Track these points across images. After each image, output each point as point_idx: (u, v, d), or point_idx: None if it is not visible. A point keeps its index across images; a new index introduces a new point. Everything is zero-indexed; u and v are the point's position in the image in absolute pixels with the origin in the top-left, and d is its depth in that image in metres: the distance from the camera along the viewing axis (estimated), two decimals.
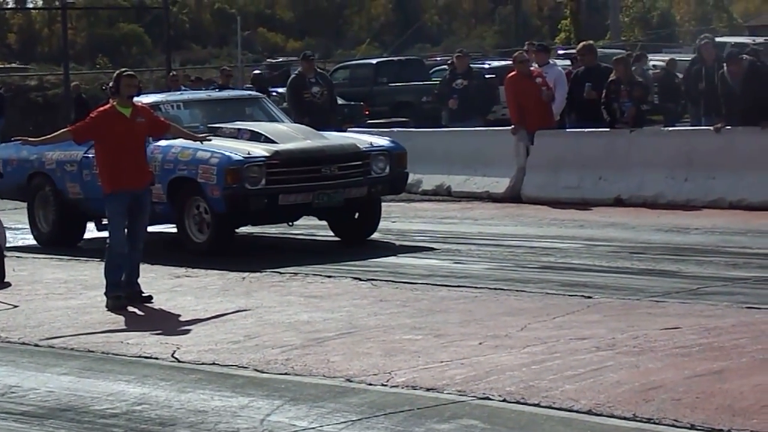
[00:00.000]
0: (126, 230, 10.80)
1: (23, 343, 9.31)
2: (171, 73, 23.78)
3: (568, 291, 10.14)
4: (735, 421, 6.31)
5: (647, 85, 18.03)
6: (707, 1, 60.73)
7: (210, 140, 12.04)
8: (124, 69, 11.22)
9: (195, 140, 11.92)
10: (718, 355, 7.65)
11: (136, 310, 10.51)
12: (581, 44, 18.30)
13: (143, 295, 10.75)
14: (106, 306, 10.54)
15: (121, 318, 10.20)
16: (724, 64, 16.09)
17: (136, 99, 11.15)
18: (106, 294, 10.65)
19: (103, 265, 10.88)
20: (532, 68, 17.36)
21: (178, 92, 17.59)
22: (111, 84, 11.06)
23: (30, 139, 11.98)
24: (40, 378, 8.11)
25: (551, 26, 62.15)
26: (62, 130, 11.30)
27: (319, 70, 19.70)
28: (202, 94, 16.24)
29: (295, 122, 15.66)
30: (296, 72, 19.30)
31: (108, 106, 10.85)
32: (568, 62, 19.45)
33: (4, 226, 12.73)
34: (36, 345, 9.22)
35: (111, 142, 10.71)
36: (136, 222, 10.81)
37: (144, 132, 10.92)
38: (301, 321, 9.46)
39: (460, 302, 9.92)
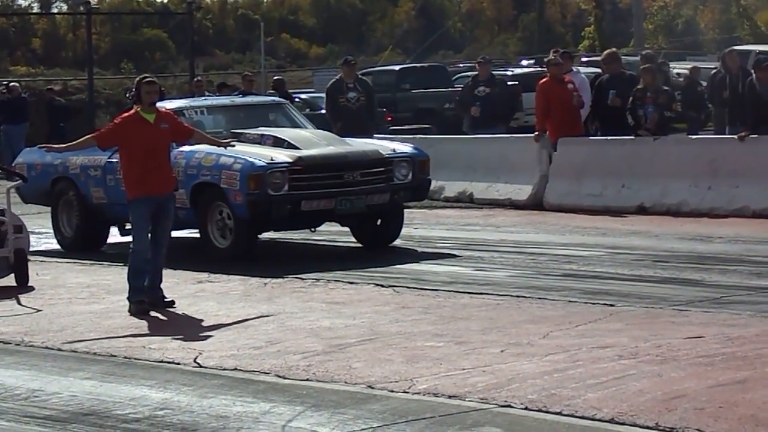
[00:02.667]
0: (150, 235, 10.83)
1: (46, 347, 9.34)
2: (195, 79, 23.86)
3: (591, 299, 10.11)
4: (758, 431, 6.28)
5: (672, 93, 17.99)
6: (731, 9, 60.53)
7: (234, 146, 12.06)
8: (144, 75, 11.24)
9: (219, 146, 11.94)
10: (741, 364, 7.62)
11: (158, 315, 10.53)
12: (606, 52, 18.28)
13: (166, 300, 10.77)
14: (129, 311, 10.57)
15: (144, 323, 10.23)
16: (752, 71, 16.05)
17: (159, 104, 11.18)
18: (128, 299, 10.68)
19: (126, 269, 10.92)
20: (564, 75, 17.31)
21: (202, 98, 17.66)
22: (133, 91, 11.10)
23: (54, 146, 12.04)
24: (62, 382, 8.14)
25: (575, 33, 62.08)
26: (86, 137, 11.33)
27: (361, 77, 19.63)
28: (225, 100, 16.28)
29: (331, 127, 15.66)
30: (337, 77, 19.31)
31: (132, 111, 10.89)
32: (593, 69, 19.37)
33: (28, 230, 12.78)
34: (59, 349, 9.25)
35: (135, 148, 10.74)
36: (160, 227, 10.84)
37: (168, 138, 10.95)
38: (323, 327, 9.47)
39: (482, 309, 9.90)
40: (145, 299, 10.64)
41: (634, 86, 16.62)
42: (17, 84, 28.97)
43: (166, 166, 10.94)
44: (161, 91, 11.15)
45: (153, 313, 10.55)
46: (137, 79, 11.16)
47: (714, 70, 22.22)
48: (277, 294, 11.15)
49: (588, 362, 7.82)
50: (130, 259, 10.82)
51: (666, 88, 17.27)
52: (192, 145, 12.87)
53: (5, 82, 28.89)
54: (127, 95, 11.68)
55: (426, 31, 64.94)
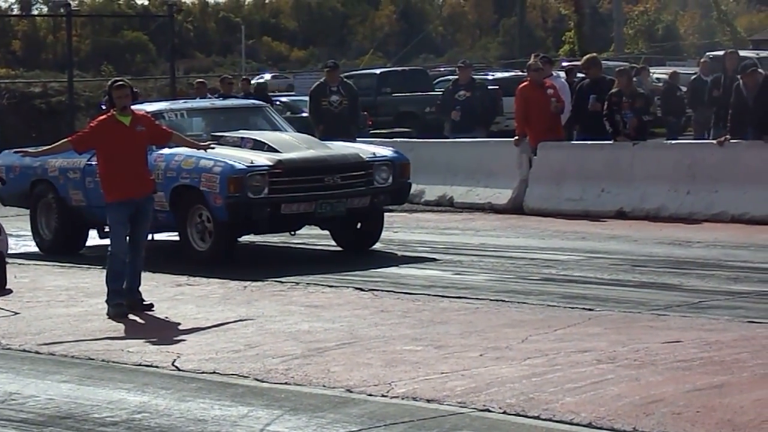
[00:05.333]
0: (128, 238, 10.81)
1: (24, 350, 9.30)
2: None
3: (570, 303, 10.13)
4: None
5: (650, 96, 18.05)
6: (711, 15, 60.78)
7: (213, 148, 12.04)
8: (115, 79, 11.19)
9: (198, 148, 11.91)
10: (719, 369, 7.64)
11: (137, 318, 10.51)
12: (586, 57, 18.32)
13: (144, 303, 10.74)
14: (107, 314, 10.54)
15: (122, 326, 10.20)
16: (739, 77, 16.13)
17: (139, 107, 11.15)
18: (107, 302, 10.66)
19: (104, 272, 10.89)
20: (544, 79, 17.35)
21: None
22: (106, 97, 11.07)
23: (31, 150, 11.99)
24: (40, 385, 8.10)
25: (555, 38, 62.24)
26: (62, 141, 11.27)
27: (345, 80, 19.68)
28: (205, 103, 16.27)
29: (314, 130, 15.62)
30: (320, 80, 19.35)
31: (108, 115, 10.86)
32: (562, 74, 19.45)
33: (7, 232, 12.73)
34: (36, 352, 9.22)
35: (111, 151, 10.72)
36: (137, 230, 10.82)
37: (144, 140, 10.91)
38: (302, 331, 9.46)
39: (461, 313, 9.91)
40: (124, 302, 10.61)
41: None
42: None
43: (144, 169, 10.91)
44: (135, 93, 11.09)
45: (131, 316, 10.52)
46: (109, 83, 11.12)
47: (694, 76, 22.36)
48: (257, 297, 11.14)
49: (566, 366, 7.83)
50: (108, 262, 10.80)
51: (641, 91, 17.31)
52: (171, 148, 12.84)
53: None
54: (102, 106, 11.66)
55: (407, 34, 65.03)
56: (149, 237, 11.61)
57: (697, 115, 21.43)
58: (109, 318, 10.45)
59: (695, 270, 11.68)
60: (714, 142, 15.90)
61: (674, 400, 6.94)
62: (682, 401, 6.92)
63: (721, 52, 24.09)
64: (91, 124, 11.04)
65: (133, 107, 11.00)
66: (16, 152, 12.85)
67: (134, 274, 10.78)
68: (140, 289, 10.83)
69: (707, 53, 28.26)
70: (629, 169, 16.05)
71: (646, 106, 16.60)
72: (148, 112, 13.66)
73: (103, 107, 11.46)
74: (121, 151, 10.67)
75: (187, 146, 12.18)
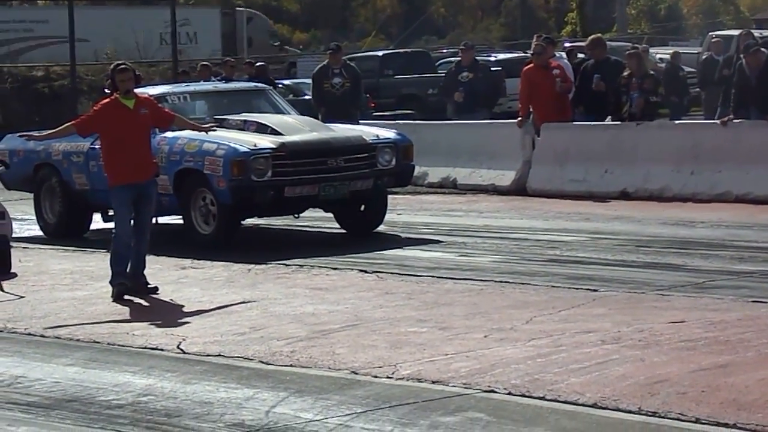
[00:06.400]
0: (132, 221, 10.82)
1: (29, 334, 9.33)
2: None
3: (574, 284, 10.14)
4: (740, 415, 6.31)
5: (658, 77, 18.03)
6: None
7: (215, 130, 12.03)
8: (117, 63, 11.19)
9: (200, 130, 11.91)
10: (723, 349, 7.65)
11: (141, 301, 10.52)
12: (591, 37, 18.29)
13: (149, 286, 10.76)
14: (112, 296, 10.55)
15: (127, 309, 10.22)
16: (742, 56, 16.10)
17: (142, 90, 11.14)
18: (111, 283, 10.67)
19: (108, 256, 10.90)
20: (550, 60, 17.33)
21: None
22: (108, 80, 11.06)
23: (34, 134, 11.99)
24: (45, 369, 8.13)
25: (558, 19, 62.06)
26: (66, 124, 11.28)
27: (348, 63, 19.68)
28: (208, 86, 16.24)
29: (316, 112, 15.56)
30: (323, 63, 19.36)
31: (111, 98, 10.85)
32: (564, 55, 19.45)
33: (11, 216, 12.74)
34: (42, 336, 9.24)
35: (114, 135, 10.72)
36: (141, 213, 10.83)
37: (147, 123, 10.91)
38: (307, 313, 9.47)
39: (466, 295, 9.92)
40: (127, 282, 10.62)
41: (618, 71, 16.64)
42: None
43: (147, 152, 10.91)
44: (138, 76, 11.09)
45: (136, 300, 10.54)
46: (111, 67, 11.13)
47: (705, 56, 22.32)
48: (261, 280, 11.15)
49: (571, 347, 7.84)
50: (112, 244, 10.81)
51: (651, 72, 17.29)
52: (174, 131, 12.84)
53: None
54: (105, 90, 11.65)
55: (409, 16, 64.88)
56: (153, 220, 11.62)
57: (708, 95, 21.39)
58: (113, 301, 10.47)
59: (699, 250, 11.67)
60: (717, 122, 15.88)
61: (679, 380, 6.96)
62: (687, 381, 6.94)
63: (726, 32, 24.07)
64: (95, 108, 11.04)
65: (136, 90, 10.99)
66: (20, 136, 12.84)
67: (139, 257, 10.80)
68: (145, 272, 10.84)
69: (710, 33, 28.21)
70: (633, 150, 16.03)
71: (654, 86, 16.57)
72: (151, 96, 13.68)
73: (106, 90, 11.45)
74: (125, 135, 10.67)
75: (190, 129, 12.18)
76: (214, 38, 40.43)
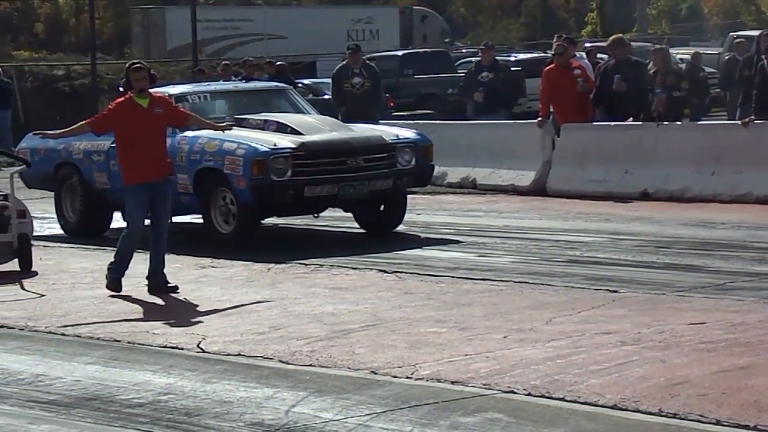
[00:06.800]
0: (150, 222, 10.86)
1: (50, 332, 9.36)
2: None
3: (594, 285, 10.12)
4: (761, 417, 6.29)
5: (680, 72, 17.99)
6: None
7: (231, 129, 12.04)
8: (133, 62, 11.23)
9: (216, 129, 11.94)
10: (744, 350, 7.62)
11: (161, 300, 10.55)
12: (612, 37, 18.25)
13: (169, 285, 10.79)
14: (107, 286, 10.72)
15: (147, 308, 10.25)
16: (763, 57, 16.03)
17: (162, 89, 11.17)
18: (108, 267, 10.79)
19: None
20: (571, 60, 17.30)
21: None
22: (123, 79, 11.11)
23: (49, 132, 12.05)
24: (66, 367, 8.15)
25: (578, 19, 61.95)
26: (81, 123, 11.34)
27: (368, 62, 19.72)
28: (228, 85, 16.27)
29: (336, 113, 15.55)
30: (343, 62, 19.39)
31: (125, 97, 10.89)
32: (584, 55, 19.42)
33: (32, 215, 12.78)
34: (62, 334, 9.27)
35: (128, 134, 10.75)
36: (158, 213, 10.85)
37: (162, 123, 10.92)
38: (326, 313, 9.48)
39: (485, 295, 9.91)
40: (121, 277, 10.73)
41: (639, 72, 16.61)
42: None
43: (162, 152, 10.92)
44: (153, 76, 11.14)
45: (156, 299, 10.57)
46: (126, 65, 11.16)
47: (727, 56, 22.24)
48: (280, 279, 11.16)
49: (591, 348, 7.83)
50: (120, 240, 10.88)
51: (674, 68, 17.25)
52: (193, 130, 12.88)
53: None
54: (120, 88, 11.68)
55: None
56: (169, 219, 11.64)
57: (731, 96, 21.32)
58: (106, 287, 10.64)
59: (720, 251, 11.64)
60: (738, 123, 15.82)
61: (699, 382, 6.94)
62: (708, 383, 6.91)
63: (748, 32, 23.98)
64: (109, 107, 11.08)
65: (153, 90, 11.01)
66: (34, 134, 12.91)
67: (158, 257, 10.82)
68: (165, 271, 10.86)
69: (731, 33, 28.10)
70: (653, 150, 15.99)
71: (676, 82, 16.53)
72: (171, 95, 13.70)
73: (121, 89, 11.49)
74: (139, 134, 10.69)
75: (205, 128, 12.21)
76: (393, 35, 42.99)
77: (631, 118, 16.73)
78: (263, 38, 38.69)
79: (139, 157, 10.69)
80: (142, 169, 10.69)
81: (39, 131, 12.44)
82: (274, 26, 39.54)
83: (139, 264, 11.00)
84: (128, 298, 10.57)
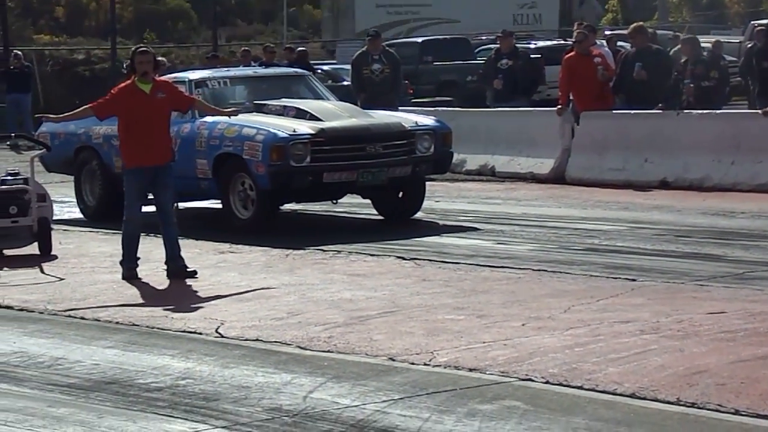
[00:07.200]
0: (155, 208, 10.90)
1: (69, 316, 9.40)
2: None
3: (612, 273, 10.11)
4: None
5: (708, 61, 17.91)
6: None
7: (236, 114, 12.05)
8: (139, 45, 11.27)
9: (222, 115, 12.01)
10: (763, 340, 7.61)
11: (180, 284, 10.57)
12: (633, 25, 18.19)
13: (188, 270, 10.81)
14: (122, 276, 10.74)
15: (166, 293, 10.28)
16: None
17: (181, 75, 11.17)
18: (120, 263, 10.82)
19: (152, 239, 10.96)
20: (592, 48, 17.26)
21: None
22: (128, 62, 11.14)
23: (52, 116, 12.10)
24: (85, 351, 8.19)
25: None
26: (84, 107, 11.38)
27: (388, 49, 19.73)
28: (248, 71, 16.28)
29: (355, 98, 15.54)
30: (362, 49, 19.40)
31: (129, 81, 10.90)
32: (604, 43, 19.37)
33: (52, 199, 12.83)
34: (82, 318, 9.31)
35: (130, 118, 10.76)
36: (160, 198, 10.87)
37: (165, 107, 10.90)
38: (344, 299, 9.49)
39: (503, 283, 9.91)
40: (135, 266, 10.76)
41: (660, 60, 16.55)
42: (20, 53, 28.82)
43: (164, 137, 10.91)
44: (157, 62, 11.11)
45: (175, 283, 10.60)
46: (132, 49, 11.17)
47: (749, 44, 22.09)
48: (299, 265, 11.17)
49: (609, 337, 7.82)
50: (123, 227, 10.94)
51: (703, 57, 17.18)
52: (204, 116, 12.95)
53: (16, 52, 28.74)
54: (124, 70, 11.69)
55: None
56: (175, 205, 11.65)
57: (753, 85, 21.21)
58: (123, 279, 10.64)
59: (739, 241, 11.60)
60: (759, 112, 15.76)
61: (718, 371, 6.92)
62: (726, 372, 6.90)
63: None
64: (112, 91, 11.09)
65: (164, 77, 11.01)
66: (36, 116, 12.97)
67: (171, 241, 10.82)
68: (183, 255, 10.88)
69: (752, 22, 27.95)
70: (673, 139, 15.94)
71: (705, 71, 16.47)
72: (191, 80, 13.72)
73: (124, 71, 11.50)
74: (141, 118, 10.70)
75: (211, 113, 12.31)
76: (553, 19, 45.54)
77: (660, 105, 16.61)
78: (439, 22, 41.98)
79: (141, 142, 10.70)
80: (143, 153, 10.69)
81: (41, 114, 12.51)
82: (448, 11, 42.74)
83: (158, 248, 11.04)
84: (147, 283, 10.60)
